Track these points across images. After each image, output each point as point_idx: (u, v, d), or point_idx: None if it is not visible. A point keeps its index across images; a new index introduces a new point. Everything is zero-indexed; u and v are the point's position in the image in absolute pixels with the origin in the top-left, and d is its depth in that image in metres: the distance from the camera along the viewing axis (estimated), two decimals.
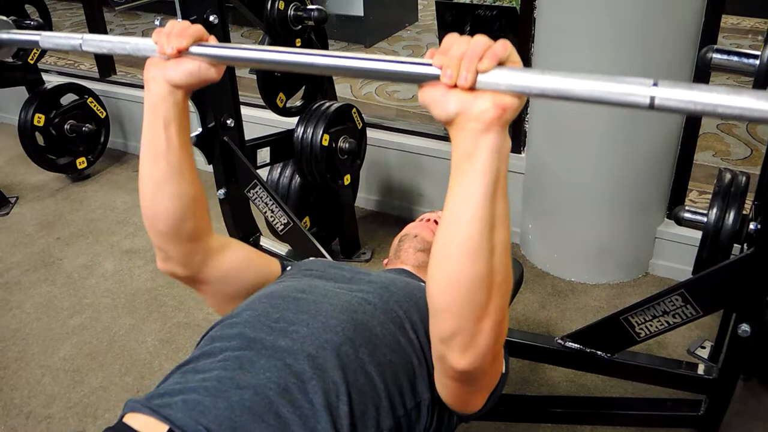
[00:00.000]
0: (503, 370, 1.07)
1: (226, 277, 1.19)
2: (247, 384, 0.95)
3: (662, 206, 2.39)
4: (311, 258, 1.31)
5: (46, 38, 1.05)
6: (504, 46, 0.72)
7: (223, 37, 1.70)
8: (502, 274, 0.82)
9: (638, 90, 0.65)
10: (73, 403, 1.99)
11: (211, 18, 1.65)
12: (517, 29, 2.46)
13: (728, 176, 1.60)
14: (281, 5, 1.85)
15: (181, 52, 0.95)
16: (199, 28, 0.96)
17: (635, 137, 2.19)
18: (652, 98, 0.64)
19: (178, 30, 0.95)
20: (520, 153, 2.57)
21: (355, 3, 4.66)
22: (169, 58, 0.96)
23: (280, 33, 1.90)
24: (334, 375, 0.96)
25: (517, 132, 2.55)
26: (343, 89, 4.01)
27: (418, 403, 1.05)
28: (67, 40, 1.04)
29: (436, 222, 1.41)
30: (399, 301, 1.12)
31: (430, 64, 0.74)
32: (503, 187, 0.78)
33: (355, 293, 1.13)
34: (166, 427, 0.91)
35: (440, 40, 3.02)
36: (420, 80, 0.75)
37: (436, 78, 0.74)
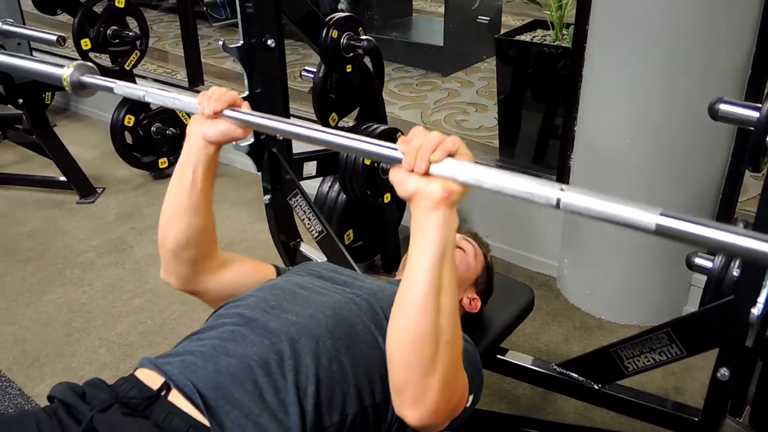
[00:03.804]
0: (467, 405, 1.15)
1: (222, 289, 1.36)
2: (235, 353, 1.12)
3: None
4: (320, 261, 1.47)
5: (119, 86, 1.30)
6: (454, 142, 0.88)
7: (279, 61, 1.90)
8: (449, 334, 0.95)
9: (548, 191, 0.78)
10: (122, 373, 2.14)
11: (269, 42, 1.84)
12: None
13: (741, 225, 1.65)
14: (335, 33, 2.04)
15: (217, 114, 1.16)
16: (233, 95, 1.18)
17: (675, 181, 2.23)
18: (558, 199, 0.78)
19: (217, 95, 1.17)
20: None
21: (436, 33, 4.84)
22: (207, 118, 1.18)
23: (332, 59, 2.09)
24: (307, 359, 1.11)
25: (561, 168, 2.64)
26: (414, 114, 4.18)
27: (387, 398, 1.17)
28: (134, 90, 1.29)
29: None
30: (383, 306, 1.25)
31: (397, 149, 0.91)
32: (450, 256, 0.93)
33: (347, 294, 1.28)
34: (163, 380, 1.09)
35: (498, 76, 3.10)
36: (388, 161, 0.93)
37: (400, 161, 0.90)
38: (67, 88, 1.32)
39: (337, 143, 0.99)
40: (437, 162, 0.87)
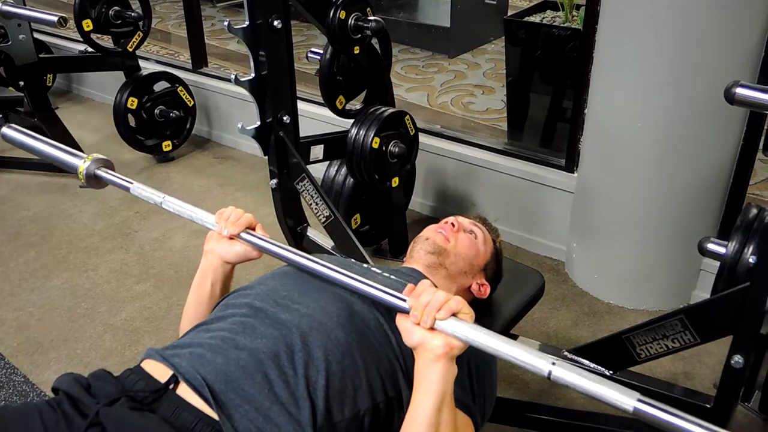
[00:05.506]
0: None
1: None
2: (245, 346, 1.09)
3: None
4: (332, 255, 1.46)
5: (136, 188, 1.30)
6: (457, 303, 0.99)
7: (286, 42, 1.86)
8: None
9: (541, 363, 0.85)
10: (127, 360, 2.20)
11: (275, 23, 1.80)
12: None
13: (754, 211, 1.62)
14: (342, 14, 2.00)
15: (233, 238, 1.24)
16: (249, 218, 1.26)
17: (686, 165, 2.20)
18: (550, 372, 0.85)
19: (233, 218, 1.25)
20: (572, 172, 2.62)
21: (443, 14, 4.77)
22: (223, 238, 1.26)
23: (340, 40, 2.05)
24: (318, 353, 1.09)
25: (570, 152, 2.61)
26: (420, 96, 4.14)
27: (399, 394, 1.15)
28: (151, 195, 1.30)
29: (453, 225, 1.52)
30: None
31: (405, 300, 1.01)
32: (449, 403, 1.02)
33: None
34: (171, 372, 1.07)
35: (507, 58, 3.05)
36: (397, 309, 1.03)
37: (407, 311, 1.01)
38: (82, 181, 1.30)
39: (352, 285, 1.06)
40: (442, 320, 0.97)
